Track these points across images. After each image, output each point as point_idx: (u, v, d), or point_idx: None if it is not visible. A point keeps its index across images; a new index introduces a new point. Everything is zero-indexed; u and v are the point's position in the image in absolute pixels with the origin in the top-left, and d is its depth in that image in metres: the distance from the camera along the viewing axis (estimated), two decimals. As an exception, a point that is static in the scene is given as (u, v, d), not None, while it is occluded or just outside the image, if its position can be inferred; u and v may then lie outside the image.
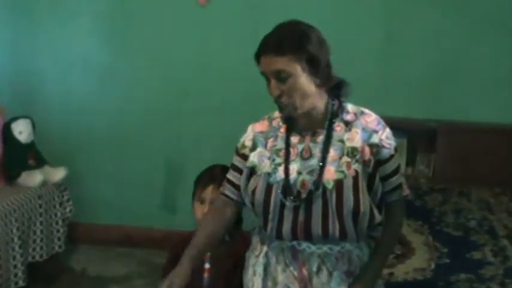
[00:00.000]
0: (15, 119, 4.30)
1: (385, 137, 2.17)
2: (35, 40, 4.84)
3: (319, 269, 2.17)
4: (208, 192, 2.70)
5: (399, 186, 2.25)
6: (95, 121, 4.87)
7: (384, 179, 2.19)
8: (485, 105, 4.28)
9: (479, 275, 2.99)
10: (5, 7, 4.74)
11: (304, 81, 2.07)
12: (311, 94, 2.10)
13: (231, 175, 2.33)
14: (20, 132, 4.28)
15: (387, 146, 2.16)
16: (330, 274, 2.17)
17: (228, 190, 2.34)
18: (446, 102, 4.32)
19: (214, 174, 2.73)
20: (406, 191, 2.29)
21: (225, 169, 2.61)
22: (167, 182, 4.82)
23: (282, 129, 2.24)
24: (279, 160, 2.18)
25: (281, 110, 2.15)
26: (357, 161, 2.13)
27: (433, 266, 3.11)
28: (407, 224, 3.48)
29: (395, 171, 2.21)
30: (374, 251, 2.28)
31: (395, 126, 2.24)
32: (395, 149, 2.20)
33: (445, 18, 4.26)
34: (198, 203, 2.74)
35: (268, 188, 2.16)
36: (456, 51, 4.28)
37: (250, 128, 2.33)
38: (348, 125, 2.18)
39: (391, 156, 2.17)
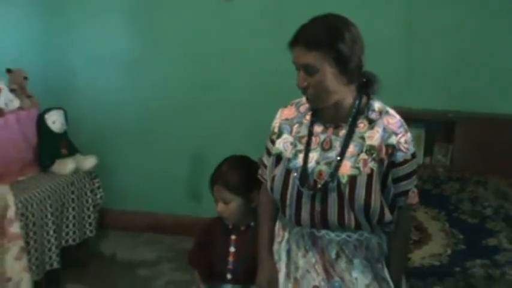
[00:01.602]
0: (48, 110, 4.38)
1: (403, 140, 2.15)
2: (66, 36, 4.92)
3: (338, 256, 2.21)
4: (216, 191, 2.69)
5: (406, 193, 2.23)
6: (123, 112, 4.94)
7: (394, 181, 2.18)
8: (503, 97, 4.26)
9: (494, 261, 3.00)
10: (37, 5, 4.82)
11: (331, 78, 2.07)
12: (336, 90, 2.10)
13: (265, 158, 2.37)
14: (53, 122, 4.36)
15: (403, 149, 2.15)
16: (350, 261, 2.20)
17: (265, 173, 2.35)
18: (465, 93, 4.30)
19: (220, 172, 2.71)
20: (414, 200, 2.27)
21: (234, 162, 2.71)
22: (192, 171, 4.88)
23: (308, 117, 2.25)
24: (300, 147, 2.21)
25: (306, 100, 2.19)
26: (373, 159, 2.13)
27: (449, 251, 3.13)
28: (425, 212, 3.52)
29: (407, 176, 2.20)
30: (392, 250, 2.29)
31: (415, 117, 2.23)
32: (413, 155, 2.18)
33: (465, 10, 4.23)
34: (214, 199, 2.75)
35: (287, 173, 2.20)
36: (476, 44, 4.26)
37: (279, 113, 2.35)
38: (371, 123, 2.17)
39: (406, 160, 2.16)
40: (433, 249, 3.16)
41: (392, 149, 2.13)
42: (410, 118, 2.21)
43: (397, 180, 2.17)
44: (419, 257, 3.04)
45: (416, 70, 4.36)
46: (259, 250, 2.42)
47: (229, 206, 2.65)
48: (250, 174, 2.55)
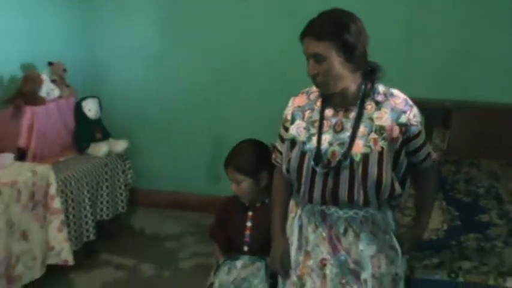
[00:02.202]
0: (84, 98, 4.43)
1: (412, 115, 2.16)
2: (100, 33, 4.98)
3: (345, 231, 2.21)
4: (229, 173, 2.69)
5: (428, 155, 2.29)
6: (151, 100, 4.98)
7: (414, 152, 2.21)
8: (495, 87, 4.27)
9: (486, 235, 3.00)
10: (75, 5, 4.86)
11: (338, 65, 2.07)
12: (343, 77, 2.10)
13: (279, 145, 2.37)
14: (89, 110, 4.41)
15: (415, 123, 2.16)
16: (357, 235, 2.21)
17: (279, 158, 2.37)
18: (461, 84, 4.31)
19: (231, 158, 2.70)
20: (434, 156, 2.34)
21: (245, 146, 2.71)
22: (212, 154, 4.90)
23: (318, 103, 2.24)
24: (313, 130, 2.20)
25: (316, 87, 2.19)
26: (383, 138, 2.12)
27: (445, 227, 3.12)
28: None
29: (423, 144, 2.24)
30: (420, 211, 2.42)
31: (415, 105, 2.24)
32: (421, 124, 2.21)
33: (462, 7, 4.23)
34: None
35: (302, 155, 2.19)
36: (472, 39, 4.26)
37: (291, 102, 2.34)
38: (378, 104, 2.16)
39: (419, 132, 2.19)
40: (431, 224, 3.04)
41: (405, 127, 2.14)
42: (413, 103, 2.23)
43: (417, 150, 2.22)
44: (419, 231, 3.07)
45: (416, 62, 4.38)
46: (272, 229, 2.43)
47: (241, 186, 2.66)
48: (259, 157, 2.58)
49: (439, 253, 2.81)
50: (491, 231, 3.06)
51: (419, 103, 2.26)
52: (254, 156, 2.62)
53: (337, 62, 2.08)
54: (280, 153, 2.35)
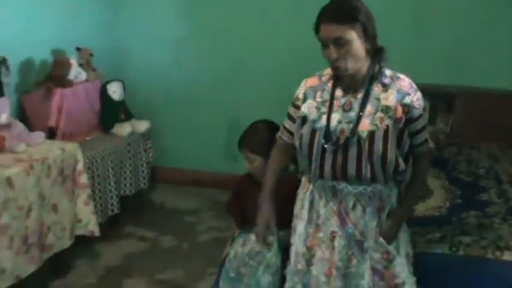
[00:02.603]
0: (109, 81, 4.44)
1: (416, 98, 2.17)
2: (125, 20, 5.01)
3: (354, 206, 2.24)
4: (243, 153, 2.74)
5: (426, 141, 2.27)
6: (172, 83, 5.00)
7: (413, 134, 2.21)
8: (496, 74, 4.25)
9: (485, 212, 3.03)
10: None
11: (358, 46, 2.09)
12: (361, 58, 2.12)
13: (287, 123, 2.38)
14: (114, 92, 4.43)
15: (417, 106, 2.16)
16: (364, 210, 2.23)
17: (284, 135, 2.40)
18: (464, 71, 4.30)
19: (244, 138, 2.74)
20: (431, 144, 2.31)
21: (257, 127, 2.73)
22: (228, 134, 4.90)
23: (330, 84, 2.25)
24: (323, 110, 2.22)
25: (334, 70, 2.18)
26: (389, 117, 2.14)
27: (448, 204, 3.15)
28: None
29: (423, 128, 2.23)
30: (406, 193, 2.33)
31: (420, 90, 2.25)
32: (424, 110, 2.20)
33: None
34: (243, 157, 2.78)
35: (313, 132, 2.22)
36: (476, 28, 4.25)
37: (303, 83, 2.35)
38: (384, 86, 2.18)
39: (420, 115, 2.18)
40: (434, 202, 3.19)
41: (408, 107, 2.15)
42: (418, 88, 2.24)
43: (416, 133, 2.21)
44: (423, 208, 3.07)
45: (422, 50, 4.37)
46: (262, 194, 2.44)
47: (253, 164, 2.70)
48: (271, 137, 2.55)
49: (441, 228, 2.84)
50: (490, 209, 3.08)
51: (424, 88, 2.27)
52: (266, 137, 2.63)
53: (357, 43, 2.09)
54: (287, 130, 2.39)
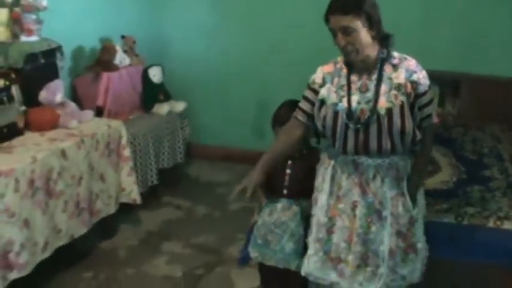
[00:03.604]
0: (150, 66, 4.48)
1: (422, 76, 2.22)
2: (164, 11, 5.03)
3: (374, 177, 2.29)
4: (276, 130, 2.65)
5: (430, 116, 2.29)
6: (206, 68, 5.01)
7: (419, 108, 2.24)
8: (500, 61, 4.23)
9: (488, 187, 3.06)
10: None
11: (364, 33, 2.13)
12: (368, 44, 2.16)
13: (303, 104, 2.39)
14: (154, 76, 4.46)
15: (423, 83, 2.21)
16: (382, 180, 2.28)
17: (299, 115, 2.40)
18: (470, 58, 4.28)
19: (279, 115, 2.68)
20: (435, 119, 2.32)
21: (291, 107, 2.62)
22: (257, 114, 4.93)
23: (344, 70, 2.29)
24: (342, 93, 2.26)
25: (346, 56, 2.22)
26: (402, 94, 2.19)
27: (454, 179, 3.18)
28: (437, 150, 3.53)
29: (428, 103, 2.26)
30: (414, 167, 2.34)
31: (430, 76, 2.25)
32: (429, 87, 2.24)
33: None
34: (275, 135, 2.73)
35: (335, 114, 2.26)
36: (481, 19, 4.23)
37: (319, 69, 2.37)
38: (394, 66, 2.23)
39: (426, 91, 2.23)
40: (442, 177, 3.22)
41: (415, 84, 2.20)
42: (423, 68, 2.26)
43: (422, 107, 2.24)
44: (432, 182, 3.10)
45: (431, 38, 4.34)
46: (261, 158, 2.44)
47: None
48: None
49: (448, 200, 2.87)
50: (492, 184, 3.12)
51: (433, 74, 2.29)
52: None
53: (362, 31, 2.13)
54: (302, 111, 2.39)
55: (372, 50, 2.20)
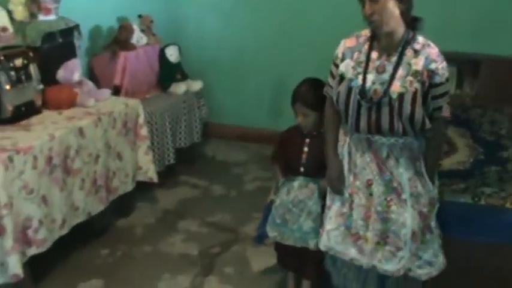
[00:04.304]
0: (167, 45, 4.46)
1: (441, 67, 2.16)
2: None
3: (388, 156, 2.27)
4: (297, 108, 2.64)
5: (440, 108, 2.23)
6: (223, 47, 4.99)
7: (432, 98, 2.20)
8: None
9: (505, 168, 3.02)
10: None
11: (392, 4, 2.09)
12: (394, 16, 2.12)
13: (330, 79, 2.38)
14: (171, 55, 4.44)
15: (440, 74, 2.16)
16: (397, 160, 2.26)
17: (329, 91, 2.39)
18: (489, 39, 4.21)
19: (300, 93, 2.64)
20: (446, 113, 2.25)
21: (312, 85, 2.65)
22: (274, 94, 4.91)
23: (366, 46, 2.26)
24: (359, 70, 2.24)
25: (370, 25, 2.17)
26: (418, 81, 2.15)
27: (471, 160, 3.15)
28: (454, 131, 3.52)
29: (442, 95, 2.20)
30: (427, 152, 2.31)
31: (449, 57, 2.19)
32: (447, 79, 2.19)
33: None
34: (294, 113, 2.70)
35: (349, 90, 2.24)
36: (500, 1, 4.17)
37: (342, 43, 2.34)
38: (416, 52, 2.17)
39: (441, 83, 2.17)
40: (459, 158, 3.19)
41: (432, 73, 2.15)
42: (446, 58, 2.19)
43: (434, 98, 2.20)
44: (449, 163, 3.08)
45: (450, 20, 4.27)
46: (326, 152, 2.46)
47: (307, 119, 2.64)
48: (322, 93, 2.50)
49: (465, 181, 2.85)
50: (509, 165, 3.08)
51: (452, 56, 2.26)
52: (319, 92, 2.54)
53: (391, 1, 2.10)
54: (331, 87, 2.38)
55: (397, 25, 2.16)
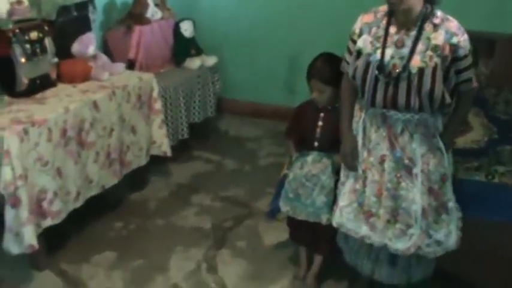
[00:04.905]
0: (182, 20, 4.43)
1: (462, 39, 2.14)
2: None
3: (402, 131, 2.25)
4: (313, 84, 2.63)
5: (469, 80, 2.23)
6: (237, 23, 4.94)
7: (458, 73, 2.19)
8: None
9: None
10: None
11: None
12: None
13: (347, 55, 2.37)
14: (185, 30, 4.41)
15: (463, 46, 2.14)
16: (411, 136, 2.25)
17: (346, 67, 2.38)
18: (505, 18, 4.14)
19: (316, 68, 2.63)
20: (474, 84, 2.27)
21: (327, 59, 2.63)
22: (288, 69, 4.86)
23: (384, 21, 2.23)
24: (378, 45, 2.22)
25: (390, 5, 2.17)
26: (438, 55, 2.13)
27: (486, 139, 3.14)
28: None
29: (467, 68, 2.20)
30: (446, 126, 2.31)
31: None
32: (469, 51, 2.17)
33: None
34: (310, 88, 2.69)
35: (367, 65, 2.22)
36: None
37: (359, 18, 2.33)
38: (435, 26, 2.15)
39: (465, 56, 2.16)
40: (473, 136, 3.17)
41: (454, 47, 2.13)
42: (465, 31, 2.19)
43: (460, 71, 2.18)
44: (463, 141, 3.07)
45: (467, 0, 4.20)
46: (341, 126, 2.45)
47: (323, 95, 2.63)
48: (338, 68, 2.49)
49: (479, 159, 2.84)
50: (524, 145, 3.06)
51: (468, 35, 2.22)
52: (335, 67, 2.54)
53: None
54: (347, 63, 2.36)
55: (416, 2, 2.13)
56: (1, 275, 2.98)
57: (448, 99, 2.19)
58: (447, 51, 2.13)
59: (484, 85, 4.01)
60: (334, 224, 2.50)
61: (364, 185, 2.38)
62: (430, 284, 2.64)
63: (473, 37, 3.67)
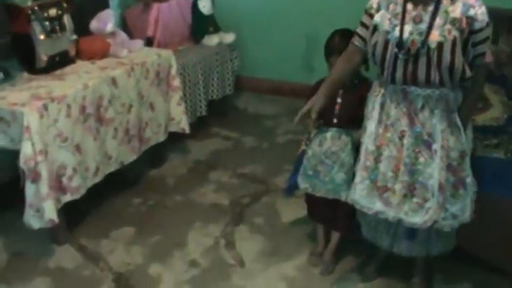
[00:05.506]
0: (200, -4, 4.40)
1: (480, 12, 2.09)
2: None
3: (422, 107, 2.23)
4: (332, 60, 2.59)
5: (482, 54, 2.19)
6: (255, 1, 4.90)
7: (473, 45, 2.15)
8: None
9: None
10: None
11: None
12: None
13: (360, 29, 2.34)
14: (204, 7, 4.36)
15: (480, 19, 2.09)
16: (432, 111, 2.23)
17: (357, 41, 2.36)
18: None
19: (335, 44, 2.62)
20: (488, 59, 2.22)
21: (344, 35, 2.61)
22: (306, 47, 4.82)
23: None
24: (396, 22, 2.19)
25: None
26: (456, 29, 2.10)
27: (505, 116, 3.11)
28: (488, 87, 3.41)
29: (483, 41, 2.15)
30: (464, 101, 2.26)
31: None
32: (487, 24, 2.12)
33: None
34: (329, 65, 2.66)
35: (386, 42, 2.21)
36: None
37: None
38: (452, 0, 2.13)
39: (481, 28, 2.11)
40: (493, 114, 3.13)
41: (471, 19, 2.09)
42: (483, 3, 2.15)
43: (475, 44, 2.14)
44: (482, 119, 3.04)
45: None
46: (323, 83, 2.46)
47: None
48: None
49: (498, 136, 2.80)
50: (543, 123, 3.01)
51: (488, 11, 2.18)
52: None
53: None
54: (359, 36, 2.35)
55: None
56: (22, 249, 3.03)
57: (468, 73, 2.17)
58: (464, 23, 2.10)
59: (505, 62, 3.93)
60: (349, 201, 2.51)
61: (377, 161, 2.36)
62: (450, 261, 2.65)
63: (494, 14, 3.63)
